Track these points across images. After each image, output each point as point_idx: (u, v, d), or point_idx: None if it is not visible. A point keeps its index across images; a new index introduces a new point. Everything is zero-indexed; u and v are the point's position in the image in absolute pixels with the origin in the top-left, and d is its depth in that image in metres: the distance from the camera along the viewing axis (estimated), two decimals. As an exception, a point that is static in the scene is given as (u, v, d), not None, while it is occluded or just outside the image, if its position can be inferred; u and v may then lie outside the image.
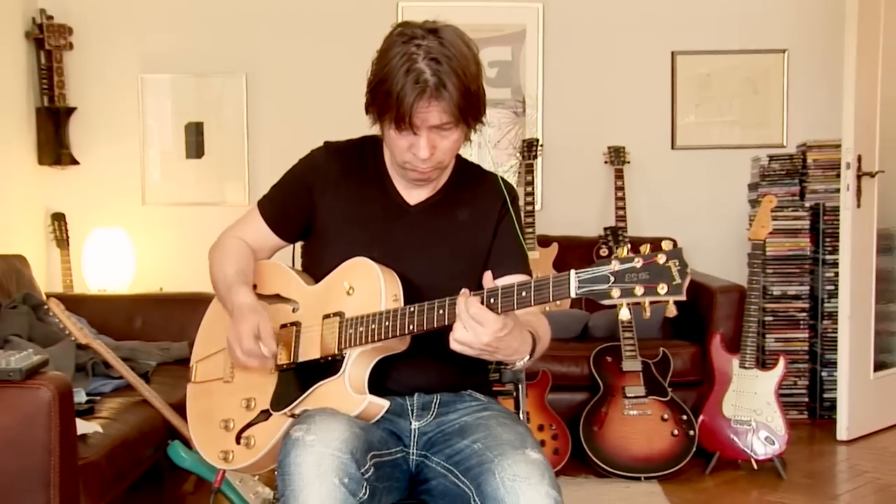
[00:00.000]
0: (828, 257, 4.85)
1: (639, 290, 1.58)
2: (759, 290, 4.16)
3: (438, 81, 1.86)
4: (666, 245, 1.60)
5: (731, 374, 4.10)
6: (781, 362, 4.10)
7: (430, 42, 1.88)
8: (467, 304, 1.74)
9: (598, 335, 4.50)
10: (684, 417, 4.06)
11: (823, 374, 4.88)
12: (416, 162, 1.99)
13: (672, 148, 5.28)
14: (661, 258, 1.58)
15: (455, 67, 1.87)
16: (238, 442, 2.06)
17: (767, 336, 4.89)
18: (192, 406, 2.25)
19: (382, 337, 1.89)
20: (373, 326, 1.90)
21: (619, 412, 4.07)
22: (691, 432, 4.04)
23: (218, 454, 2.09)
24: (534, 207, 4.88)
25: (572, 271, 1.64)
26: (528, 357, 1.89)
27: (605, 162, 5.16)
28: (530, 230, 4.80)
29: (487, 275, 1.82)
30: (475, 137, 2.06)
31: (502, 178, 2.16)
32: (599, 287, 1.61)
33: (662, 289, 1.57)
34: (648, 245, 1.61)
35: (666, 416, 4.06)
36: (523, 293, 1.69)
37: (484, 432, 1.94)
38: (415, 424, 2.06)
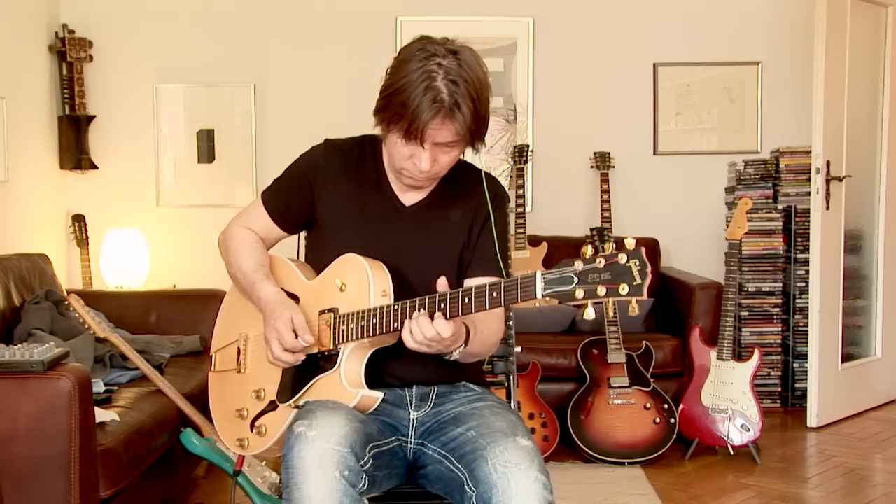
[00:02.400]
0: (799, 256, 4.83)
1: (601, 290, 1.57)
2: (736, 287, 4.15)
3: (454, 103, 1.84)
4: (628, 244, 1.57)
5: (710, 365, 4.09)
6: (756, 354, 4.09)
7: (449, 63, 1.85)
8: (422, 327, 1.78)
9: (584, 329, 4.49)
10: (665, 406, 4.06)
11: (795, 365, 4.87)
12: (415, 171, 1.97)
13: (654, 153, 5.29)
14: (623, 258, 1.56)
15: (471, 91, 1.85)
16: (252, 430, 2.06)
17: (743, 330, 4.87)
18: (213, 394, 2.24)
19: (373, 333, 1.88)
20: (363, 323, 1.89)
21: (605, 401, 4.07)
22: (672, 420, 4.04)
23: (235, 441, 2.09)
24: (524, 209, 4.88)
25: (538, 273, 1.62)
26: (462, 348, 1.90)
27: (592, 166, 5.16)
28: (521, 231, 4.80)
29: (441, 280, 1.82)
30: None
31: (491, 177, 2.14)
32: (564, 288, 1.59)
33: (623, 289, 1.55)
34: (613, 244, 1.59)
35: (648, 405, 4.06)
36: (494, 294, 1.69)
37: (477, 421, 1.93)
38: (413, 415, 2.05)
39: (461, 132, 1.89)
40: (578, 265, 1.59)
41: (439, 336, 1.79)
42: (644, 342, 4.21)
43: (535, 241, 4.89)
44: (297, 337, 1.95)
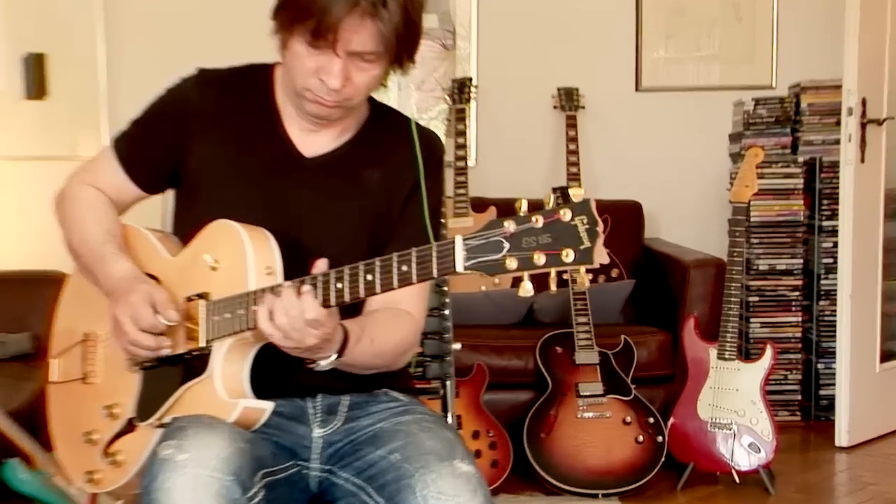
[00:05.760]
0: (825, 223, 4.92)
1: (539, 258, 1.57)
2: (742, 264, 4.22)
3: None
4: (573, 195, 1.59)
5: (708, 366, 4.15)
6: (769, 352, 4.14)
7: None
8: (285, 304, 1.79)
9: (545, 320, 4.56)
10: (651, 420, 4.11)
11: (820, 366, 4.96)
12: (321, 91, 1.98)
13: (636, 90, 5.36)
14: (566, 214, 1.57)
15: None
16: (105, 458, 2.05)
17: (752, 320, 4.95)
18: (52, 412, 2.23)
19: (255, 325, 1.87)
20: (240, 311, 1.89)
21: (572, 415, 4.12)
22: (659, 438, 4.09)
23: (82, 474, 2.08)
24: (466, 164, 4.90)
25: (458, 239, 1.63)
26: (333, 356, 1.91)
27: (555, 107, 5.21)
28: (462, 192, 4.87)
29: (320, 263, 1.82)
30: (394, 76, 2.07)
31: (425, 131, 2.18)
32: (492, 257, 1.60)
33: (567, 255, 1.56)
34: (552, 196, 1.61)
35: (629, 419, 4.11)
36: (403, 267, 1.70)
37: (403, 440, 1.95)
38: (318, 432, 2.07)
39: (386, 39, 1.90)
40: (509, 225, 1.59)
41: (303, 319, 1.78)
42: (623, 337, 4.28)
43: (480, 205, 4.95)
44: (157, 315, 1.95)
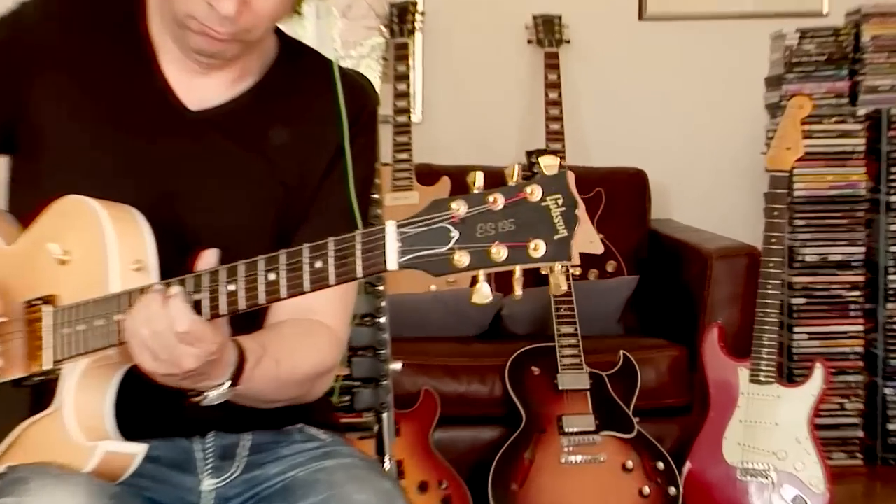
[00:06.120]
0: (894, 199, 4.96)
1: (499, 251, 1.55)
2: (783, 254, 4.25)
3: None
4: (545, 164, 1.59)
5: (737, 392, 4.18)
6: (819, 373, 4.17)
7: None
8: (149, 311, 1.76)
9: (517, 330, 4.63)
10: (660, 466, 4.14)
11: (888, 391, 5.00)
12: (210, 19, 1.97)
13: (640, 18, 5.45)
14: (534, 192, 1.56)
15: None
16: None
17: (796, 330, 4.96)
18: None
19: (118, 340, 1.86)
20: (99, 322, 1.87)
21: (554, 459, 4.14)
22: (672, 490, 4.12)
23: None
24: (409, 119, 4.96)
25: (390, 225, 1.62)
26: (226, 385, 1.90)
27: (530, 41, 5.26)
28: (404, 157, 4.91)
29: (208, 254, 1.82)
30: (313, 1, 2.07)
31: (351, 74, 2.21)
32: (435, 250, 1.59)
33: (537, 248, 1.54)
34: (515, 167, 1.60)
35: (630, 465, 4.14)
36: (316, 264, 1.69)
37: (324, 493, 1.96)
38: (209, 484, 2.08)
39: None
40: (459, 208, 1.59)
41: (172, 332, 1.76)
42: (622, 353, 4.33)
43: (428, 175, 5.02)
44: None
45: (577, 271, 4.56)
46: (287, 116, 2.17)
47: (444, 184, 4.96)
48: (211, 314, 1.78)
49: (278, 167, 2.14)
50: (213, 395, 1.88)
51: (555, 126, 4.96)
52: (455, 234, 1.57)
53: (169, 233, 1.96)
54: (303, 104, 2.18)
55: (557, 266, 1.55)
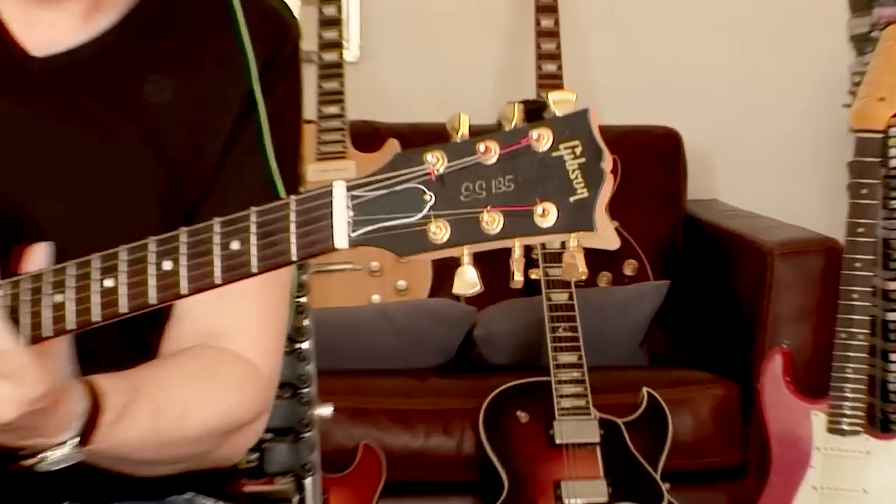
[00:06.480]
0: None
1: (493, 219, 1.52)
2: (875, 250, 4.31)
3: None
4: (556, 99, 1.55)
5: (811, 446, 4.20)
6: (927, 418, 4.20)
7: None
8: None
9: (496, 358, 4.68)
10: (702, 554, 4.20)
11: None
12: None
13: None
14: (544, 138, 1.53)
15: None
16: None
17: (893, 358, 4.90)
18: None
19: None
20: None
21: (551, 545, 4.15)
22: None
23: None
24: (341, 57, 5.07)
25: (338, 185, 1.58)
26: (70, 444, 1.86)
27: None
28: (334, 111, 5.02)
29: (34, 250, 1.78)
30: None
31: (258, 2, 2.22)
32: (402, 219, 1.56)
33: (546, 214, 1.51)
34: (515, 106, 1.56)
35: (659, 552, 4.18)
36: (234, 245, 1.64)
37: None
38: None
39: None
40: (437, 160, 1.55)
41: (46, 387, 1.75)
42: (645, 391, 4.38)
43: (368, 136, 5.14)
44: None
45: (583, 275, 4.46)
46: (169, 63, 2.17)
47: (391, 147, 5.00)
48: (32, 336, 1.75)
49: (160, 134, 2.13)
50: (54, 458, 1.85)
51: (550, 67, 4.99)
52: (430, 196, 1.54)
53: (7, 224, 2.00)
54: (191, 44, 2.19)
55: (572, 240, 1.50)
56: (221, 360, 2.09)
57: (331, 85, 4.95)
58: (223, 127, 2.15)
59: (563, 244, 1.52)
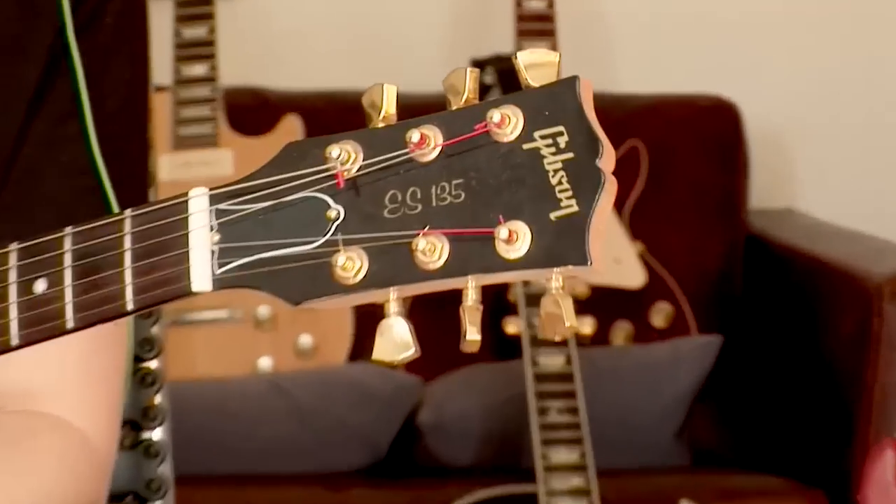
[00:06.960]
0: None
1: (432, 248, 1.28)
2: None
3: None
4: (528, 63, 1.23)
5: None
6: None
7: None
8: None
9: (450, 458, 4.53)
10: None
11: None
12: None
13: None
14: (509, 122, 1.24)
15: None
16: None
17: None
18: None
19: None
20: None
21: None
22: None
23: None
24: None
25: (197, 194, 1.37)
26: None
27: None
28: (200, 70, 4.95)
29: None
30: None
31: None
32: (294, 248, 1.34)
33: (512, 240, 1.25)
34: (467, 72, 1.29)
35: None
36: (38, 286, 1.50)
37: None
38: None
39: None
40: (348, 155, 1.28)
41: None
42: None
43: (256, 111, 5.13)
44: None
45: (589, 329, 4.32)
46: None
47: (290, 130, 4.82)
48: None
49: None
50: None
51: (536, 2, 4.89)
52: (338, 212, 1.34)
53: None
54: None
55: (554, 281, 1.26)
56: (35, 426, 2.00)
57: (195, 31, 4.84)
58: (20, 94, 2.02)
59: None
